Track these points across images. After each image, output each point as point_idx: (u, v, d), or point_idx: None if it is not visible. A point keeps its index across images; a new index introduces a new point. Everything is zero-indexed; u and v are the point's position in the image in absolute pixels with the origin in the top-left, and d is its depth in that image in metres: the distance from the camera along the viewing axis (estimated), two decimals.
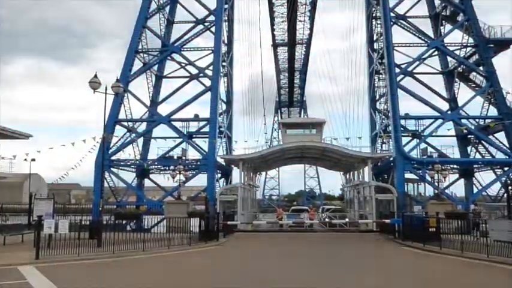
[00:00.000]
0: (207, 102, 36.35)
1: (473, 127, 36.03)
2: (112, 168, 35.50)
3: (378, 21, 41.18)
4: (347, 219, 34.41)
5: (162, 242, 20.02)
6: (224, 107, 42.98)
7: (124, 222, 29.69)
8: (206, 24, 39.71)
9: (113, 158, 35.32)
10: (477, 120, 36.79)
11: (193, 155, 36.70)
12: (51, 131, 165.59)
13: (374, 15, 42.03)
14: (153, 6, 39.57)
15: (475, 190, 36.30)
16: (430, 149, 35.68)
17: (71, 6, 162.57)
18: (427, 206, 27.70)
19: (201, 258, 18.06)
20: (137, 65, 39.01)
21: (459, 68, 38.32)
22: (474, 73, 37.24)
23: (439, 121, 34.81)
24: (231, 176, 41.50)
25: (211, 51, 39.20)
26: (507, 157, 33.55)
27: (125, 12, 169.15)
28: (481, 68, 35.93)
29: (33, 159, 38.46)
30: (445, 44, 37.87)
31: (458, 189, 37.99)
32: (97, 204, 25.97)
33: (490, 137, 35.38)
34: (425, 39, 38.20)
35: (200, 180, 35.72)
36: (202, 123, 38.07)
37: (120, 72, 36.09)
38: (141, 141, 39.83)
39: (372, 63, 42.41)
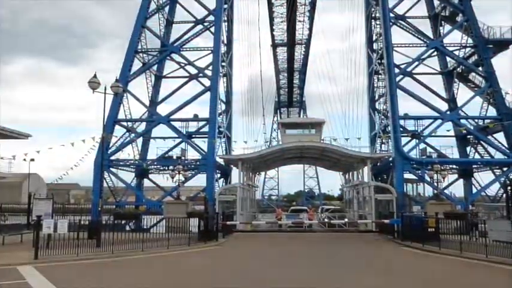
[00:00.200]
0: (206, 102, 36.43)
1: (472, 127, 36.00)
2: (111, 168, 35.47)
3: (377, 22, 41.12)
4: (346, 220, 34.45)
5: (161, 242, 19.98)
6: (223, 107, 42.98)
7: (123, 222, 29.71)
8: (205, 24, 39.68)
9: (112, 158, 35.28)
10: (476, 120, 36.75)
11: (192, 155, 36.67)
12: (50, 131, 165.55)
13: (373, 15, 42.04)
14: (153, 6, 39.57)
15: (474, 190, 36.33)
16: (429, 149, 35.68)
17: (71, 6, 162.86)
18: (426, 206, 27.67)
19: (201, 258, 18.05)
20: (137, 65, 39.07)
21: (458, 69, 38.34)
22: (473, 73, 37.26)
23: (438, 121, 34.81)
24: (230, 176, 41.49)
25: (210, 51, 39.22)
26: (506, 157, 33.57)
27: (124, 12, 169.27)
28: (480, 68, 35.97)
29: (32, 159, 38.28)
30: (445, 45, 37.95)
31: (458, 189, 38.12)
32: (96, 204, 26.03)
33: (489, 137, 35.38)
34: (425, 40, 38.18)
35: (199, 180, 35.76)
36: (201, 123, 38.07)
37: (119, 72, 36.13)
38: (141, 141, 39.81)
39: (371, 64, 42.37)
